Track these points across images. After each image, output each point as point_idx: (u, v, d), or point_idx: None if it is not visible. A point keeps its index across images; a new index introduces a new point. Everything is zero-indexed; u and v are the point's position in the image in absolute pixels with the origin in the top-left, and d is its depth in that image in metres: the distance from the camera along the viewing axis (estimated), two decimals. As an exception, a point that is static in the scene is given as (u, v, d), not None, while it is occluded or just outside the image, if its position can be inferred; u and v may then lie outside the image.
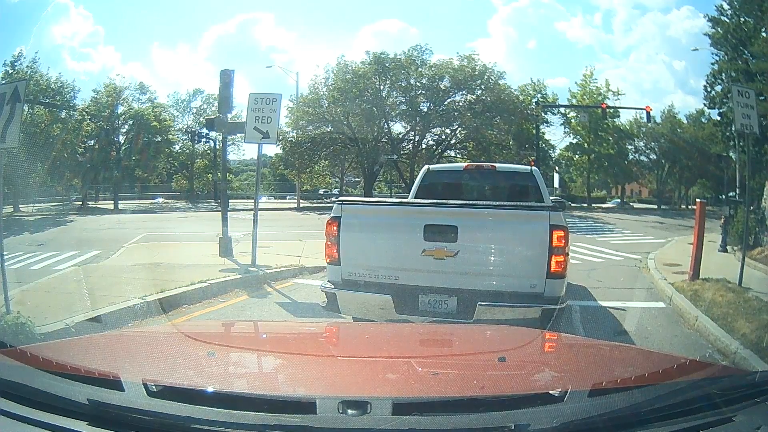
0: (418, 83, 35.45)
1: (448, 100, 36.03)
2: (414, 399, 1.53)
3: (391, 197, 33.08)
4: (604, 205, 45.49)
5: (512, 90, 36.72)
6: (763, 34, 21.26)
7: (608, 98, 40.58)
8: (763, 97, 15.57)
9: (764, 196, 12.28)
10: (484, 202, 5.70)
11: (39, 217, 26.92)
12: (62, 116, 33.50)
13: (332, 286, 4.86)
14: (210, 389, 1.55)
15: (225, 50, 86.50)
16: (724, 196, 28.85)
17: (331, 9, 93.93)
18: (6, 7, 42.26)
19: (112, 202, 37.66)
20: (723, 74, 26.37)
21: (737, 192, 17.05)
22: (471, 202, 5.72)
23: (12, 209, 27.10)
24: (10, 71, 31.05)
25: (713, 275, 8.36)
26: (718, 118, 29.24)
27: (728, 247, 12.51)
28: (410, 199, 6.88)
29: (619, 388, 1.59)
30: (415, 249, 4.60)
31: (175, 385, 1.55)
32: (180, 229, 20.05)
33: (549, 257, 4.41)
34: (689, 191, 48.82)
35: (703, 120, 40.93)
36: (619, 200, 50.22)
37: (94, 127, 36.46)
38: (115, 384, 1.53)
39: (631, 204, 47.97)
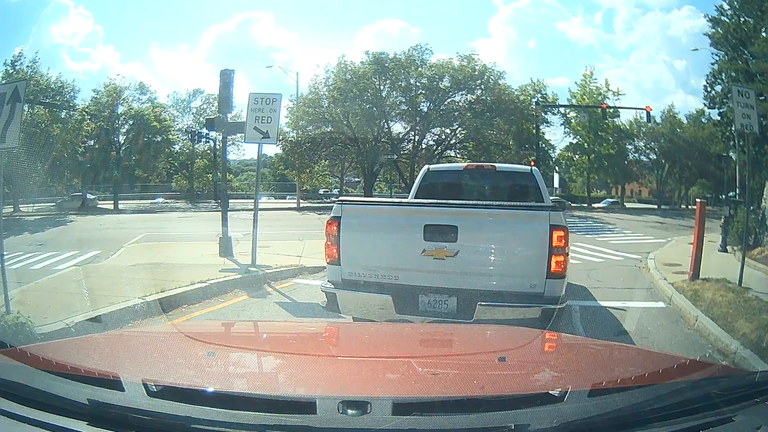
0: (418, 83, 35.49)
1: (448, 100, 36.08)
2: (414, 399, 1.53)
3: (391, 197, 33.06)
4: (596, 205, 45.47)
5: (512, 90, 36.86)
6: (763, 34, 21.23)
7: (608, 98, 40.62)
8: (763, 97, 15.53)
9: (764, 196, 12.28)
10: (484, 202, 5.69)
11: (39, 217, 26.93)
12: (62, 116, 33.53)
13: (332, 286, 4.86)
14: (210, 389, 1.55)
15: (225, 50, 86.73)
16: (724, 196, 28.84)
17: (331, 9, 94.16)
18: (6, 7, 42.32)
19: (112, 202, 37.69)
20: (723, 74, 26.36)
21: (737, 192, 17.03)
22: (471, 202, 5.71)
23: (12, 209, 27.10)
24: (11, 71, 31.10)
25: (713, 275, 8.36)
26: (718, 118, 29.19)
27: (728, 247, 12.50)
28: (410, 199, 6.88)
29: (619, 388, 1.59)
30: (415, 249, 4.60)
31: (175, 385, 1.55)
32: (180, 229, 20.06)
33: (549, 257, 4.41)
34: (689, 191, 48.83)
35: (703, 120, 40.92)
36: (611, 200, 50.23)
37: (94, 127, 36.48)
38: (115, 384, 1.53)
39: (624, 204, 47.84)
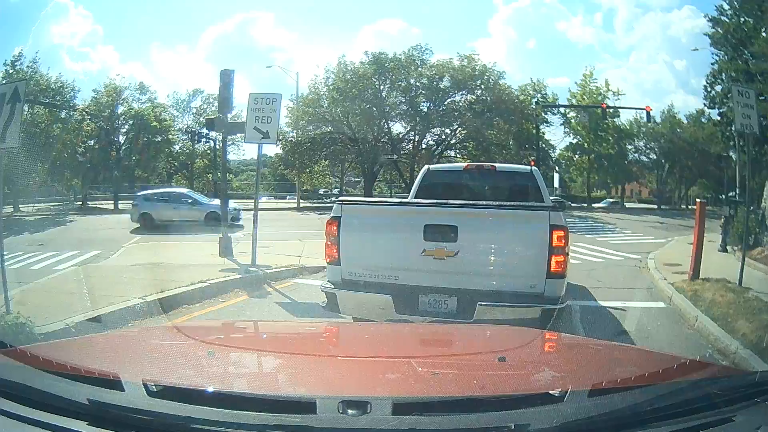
0: (418, 83, 35.45)
1: (448, 100, 36.06)
2: (414, 399, 1.53)
3: (391, 197, 33.06)
4: (596, 205, 45.46)
5: (512, 90, 36.78)
6: (763, 34, 21.23)
7: (608, 98, 40.54)
8: (763, 97, 15.53)
9: (764, 196, 12.27)
10: (484, 202, 5.70)
11: (39, 217, 26.88)
12: (62, 116, 33.48)
13: (332, 286, 4.86)
14: (210, 389, 1.55)
15: (225, 50, 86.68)
16: (724, 196, 28.82)
17: (331, 9, 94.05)
18: (6, 7, 42.27)
19: (112, 202, 37.65)
20: (723, 74, 26.34)
21: (737, 192, 17.03)
22: (471, 202, 5.71)
23: (12, 209, 27.06)
24: (11, 71, 31.06)
25: (713, 275, 8.36)
26: (718, 118, 29.17)
27: (728, 247, 12.50)
28: (410, 199, 6.88)
29: (620, 388, 1.59)
30: (415, 249, 4.60)
31: (175, 385, 1.55)
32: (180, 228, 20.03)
33: (549, 257, 4.41)
34: (689, 191, 48.81)
35: (703, 120, 40.86)
36: (611, 200, 50.24)
37: (94, 127, 36.39)
38: (115, 384, 1.53)
39: (624, 204, 47.82)
